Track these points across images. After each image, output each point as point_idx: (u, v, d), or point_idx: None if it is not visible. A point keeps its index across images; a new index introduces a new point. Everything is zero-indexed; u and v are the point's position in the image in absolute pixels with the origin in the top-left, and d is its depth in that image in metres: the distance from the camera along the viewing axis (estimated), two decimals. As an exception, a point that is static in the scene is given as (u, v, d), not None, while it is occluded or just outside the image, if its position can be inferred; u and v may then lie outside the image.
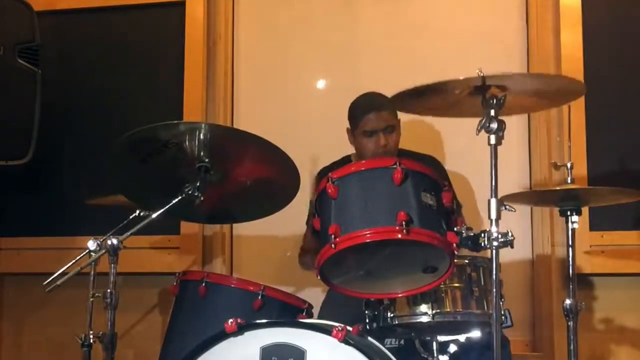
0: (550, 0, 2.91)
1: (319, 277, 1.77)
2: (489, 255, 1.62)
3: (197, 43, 3.09)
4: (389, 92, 1.71)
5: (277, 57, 3.20)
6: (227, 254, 3.08)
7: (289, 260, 2.95)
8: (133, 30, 3.19)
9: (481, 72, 1.54)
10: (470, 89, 1.65)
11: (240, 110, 3.20)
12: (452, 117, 1.95)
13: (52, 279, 1.90)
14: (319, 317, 2.23)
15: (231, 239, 3.11)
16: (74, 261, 2.10)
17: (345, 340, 1.64)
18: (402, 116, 2.39)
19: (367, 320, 1.88)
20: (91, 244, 1.87)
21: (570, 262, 2.00)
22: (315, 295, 2.40)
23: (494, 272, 1.57)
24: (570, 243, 1.99)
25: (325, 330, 1.67)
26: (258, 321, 1.76)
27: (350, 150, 2.57)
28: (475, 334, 1.91)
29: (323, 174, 2.38)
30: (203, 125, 1.92)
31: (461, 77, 1.57)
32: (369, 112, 2.41)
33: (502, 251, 1.60)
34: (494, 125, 1.60)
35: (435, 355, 1.90)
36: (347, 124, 2.52)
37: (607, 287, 2.73)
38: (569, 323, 1.96)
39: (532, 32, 2.96)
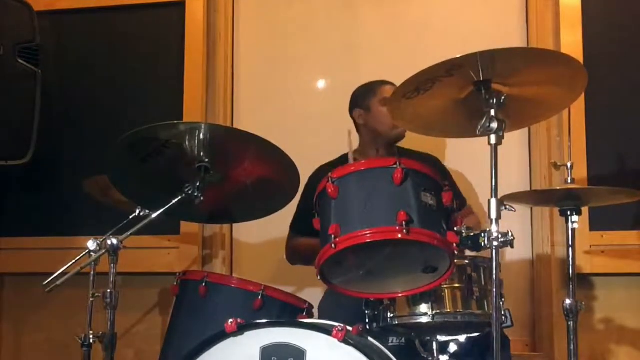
0: (550, 0, 2.91)
1: (319, 277, 1.77)
2: (489, 255, 1.62)
3: (197, 43, 3.09)
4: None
5: (277, 57, 3.20)
6: (227, 254, 3.08)
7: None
8: (133, 30, 3.19)
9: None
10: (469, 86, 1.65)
11: (240, 110, 3.20)
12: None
13: (52, 279, 1.90)
14: (318, 316, 2.23)
15: (231, 239, 3.11)
16: (74, 261, 2.10)
17: (345, 340, 1.64)
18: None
19: (367, 320, 1.88)
20: (91, 244, 1.87)
21: (570, 262, 2.00)
22: (315, 295, 2.40)
23: (494, 272, 1.57)
24: (570, 243, 1.99)
25: (325, 330, 1.67)
26: (258, 321, 1.75)
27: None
28: (475, 334, 1.91)
29: (320, 174, 2.38)
30: (203, 125, 1.92)
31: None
32: (386, 84, 2.49)
33: (502, 251, 1.60)
34: (494, 125, 1.60)
35: (435, 355, 1.90)
36: (350, 115, 2.55)
37: (607, 287, 2.73)
38: (569, 323, 1.96)
39: (532, 32, 2.96)
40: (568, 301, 1.97)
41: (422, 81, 1.63)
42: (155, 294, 3.01)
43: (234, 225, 3.10)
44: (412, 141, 2.57)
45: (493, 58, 1.58)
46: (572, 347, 1.95)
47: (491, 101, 1.63)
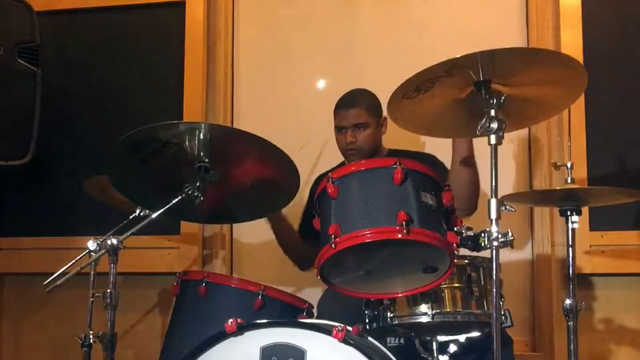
0: (550, 0, 2.91)
1: (319, 277, 1.77)
2: (489, 255, 1.62)
3: (197, 43, 3.09)
4: (389, 91, 1.71)
5: (277, 57, 3.20)
6: (227, 254, 3.08)
7: (289, 260, 2.95)
8: (133, 30, 3.19)
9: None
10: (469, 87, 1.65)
11: (240, 110, 3.20)
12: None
13: (52, 279, 1.90)
14: (316, 316, 2.23)
15: (231, 239, 3.11)
16: (74, 261, 2.10)
17: (345, 340, 1.64)
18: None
19: (367, 320, 1.88)
20: (91, 244, 1.87)
21: (570, 262, 2.00)
22: (315, 295, 2.40)
23: (494, 272, 1.57)
24: (570, 243, 1.99)
25: (325, 330, 1.67)
26: (258, 321, 1.76)
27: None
28: (475, 334, 1.91)
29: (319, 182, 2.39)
30: (203, 125, 1.92)
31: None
32: (339, 108, 2.49)
33: (502, 251, 1.60)
34: (494, 125, 1.60)
35: (435, 355, 1.90)
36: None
37: (607, 287, 2.73)
38: (569, 323, 1.96)
39: (532, 32, 2.96)
40: (568, 301, 1.97)
41: (422, 81, 1.63)
42: (155, 294, 3.01)
43: (234, 225, 3.10)
44: (412, 140, 2.57)
45: (493, 58, 1.58)
46: (572, 347, 1.95)
47: (491, 101, 1.63)
